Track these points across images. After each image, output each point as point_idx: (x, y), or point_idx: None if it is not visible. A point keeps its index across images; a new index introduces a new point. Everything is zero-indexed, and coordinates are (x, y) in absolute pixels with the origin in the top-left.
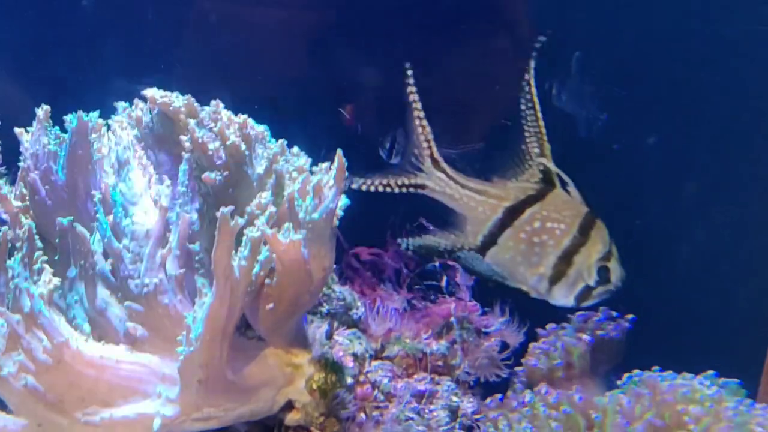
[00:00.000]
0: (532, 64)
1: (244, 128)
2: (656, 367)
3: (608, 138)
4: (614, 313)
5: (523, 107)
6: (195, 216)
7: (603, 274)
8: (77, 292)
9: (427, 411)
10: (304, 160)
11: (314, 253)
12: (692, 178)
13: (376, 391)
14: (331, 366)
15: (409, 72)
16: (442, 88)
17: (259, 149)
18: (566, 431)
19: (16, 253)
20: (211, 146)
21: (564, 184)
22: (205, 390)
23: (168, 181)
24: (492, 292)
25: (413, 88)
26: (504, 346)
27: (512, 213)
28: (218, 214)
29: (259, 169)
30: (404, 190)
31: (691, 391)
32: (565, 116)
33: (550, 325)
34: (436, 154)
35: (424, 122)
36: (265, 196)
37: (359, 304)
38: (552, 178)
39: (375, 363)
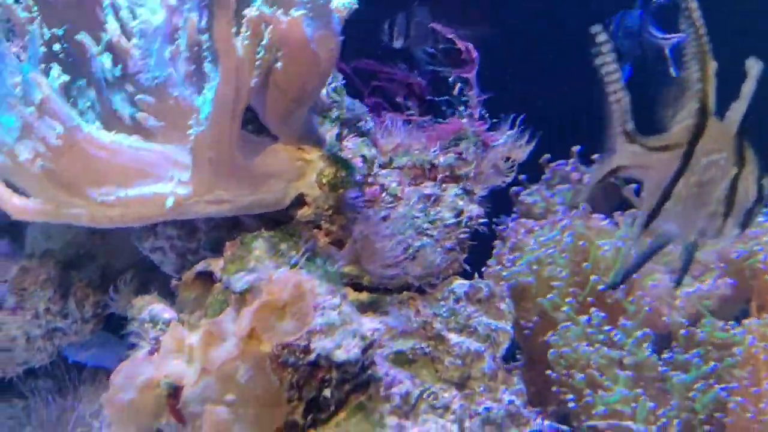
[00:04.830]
0: None
1: None
2: None
3: None
4: None
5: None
6: (204, 21)
7: (762, 191)
8: (88, 98)
9: (432, 211)
10: None
11: (318, 33)
12: None
13: (384, 193)
14: (341, 162)
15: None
16: None
17: None
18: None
19: (24, 53)
20: None
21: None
22: (216, 171)
23: None
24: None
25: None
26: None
27: (686, 158)
28: None
29: None
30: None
31: None
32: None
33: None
34: (629, 127)
35: (621, 93)
36: None
37: (368, 117)
38: (709, 103)
39: (384, 171)
